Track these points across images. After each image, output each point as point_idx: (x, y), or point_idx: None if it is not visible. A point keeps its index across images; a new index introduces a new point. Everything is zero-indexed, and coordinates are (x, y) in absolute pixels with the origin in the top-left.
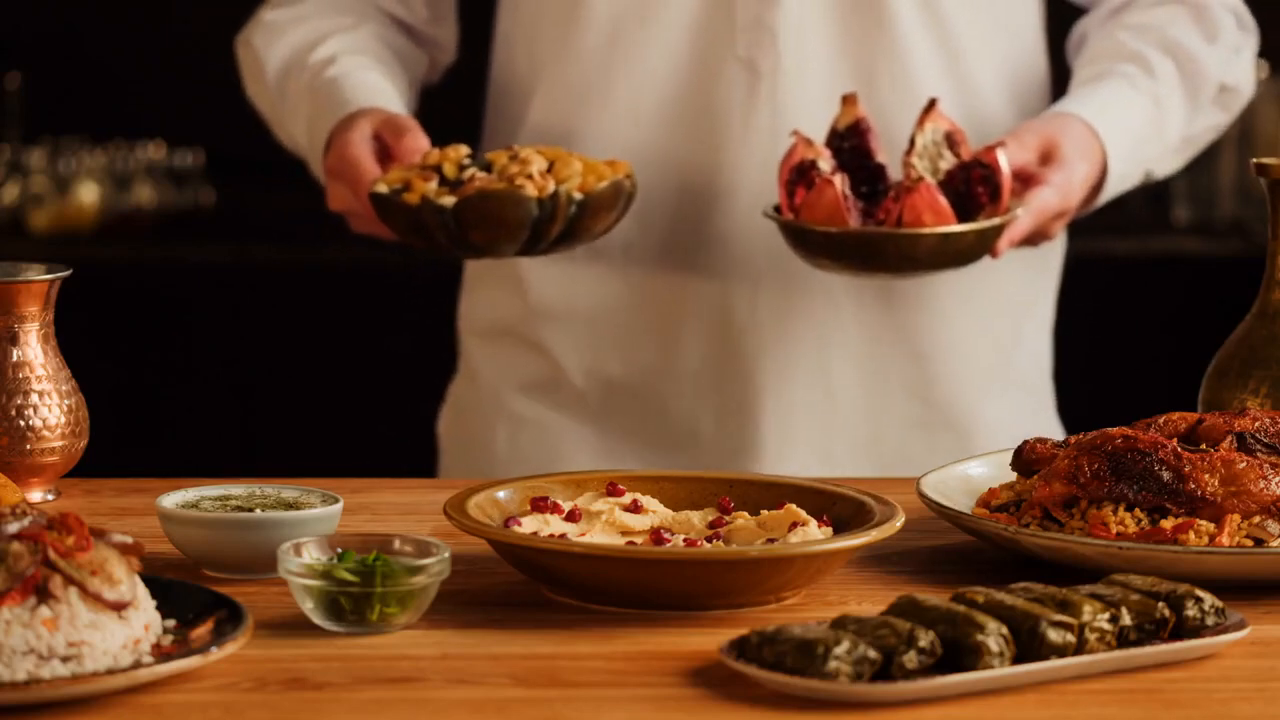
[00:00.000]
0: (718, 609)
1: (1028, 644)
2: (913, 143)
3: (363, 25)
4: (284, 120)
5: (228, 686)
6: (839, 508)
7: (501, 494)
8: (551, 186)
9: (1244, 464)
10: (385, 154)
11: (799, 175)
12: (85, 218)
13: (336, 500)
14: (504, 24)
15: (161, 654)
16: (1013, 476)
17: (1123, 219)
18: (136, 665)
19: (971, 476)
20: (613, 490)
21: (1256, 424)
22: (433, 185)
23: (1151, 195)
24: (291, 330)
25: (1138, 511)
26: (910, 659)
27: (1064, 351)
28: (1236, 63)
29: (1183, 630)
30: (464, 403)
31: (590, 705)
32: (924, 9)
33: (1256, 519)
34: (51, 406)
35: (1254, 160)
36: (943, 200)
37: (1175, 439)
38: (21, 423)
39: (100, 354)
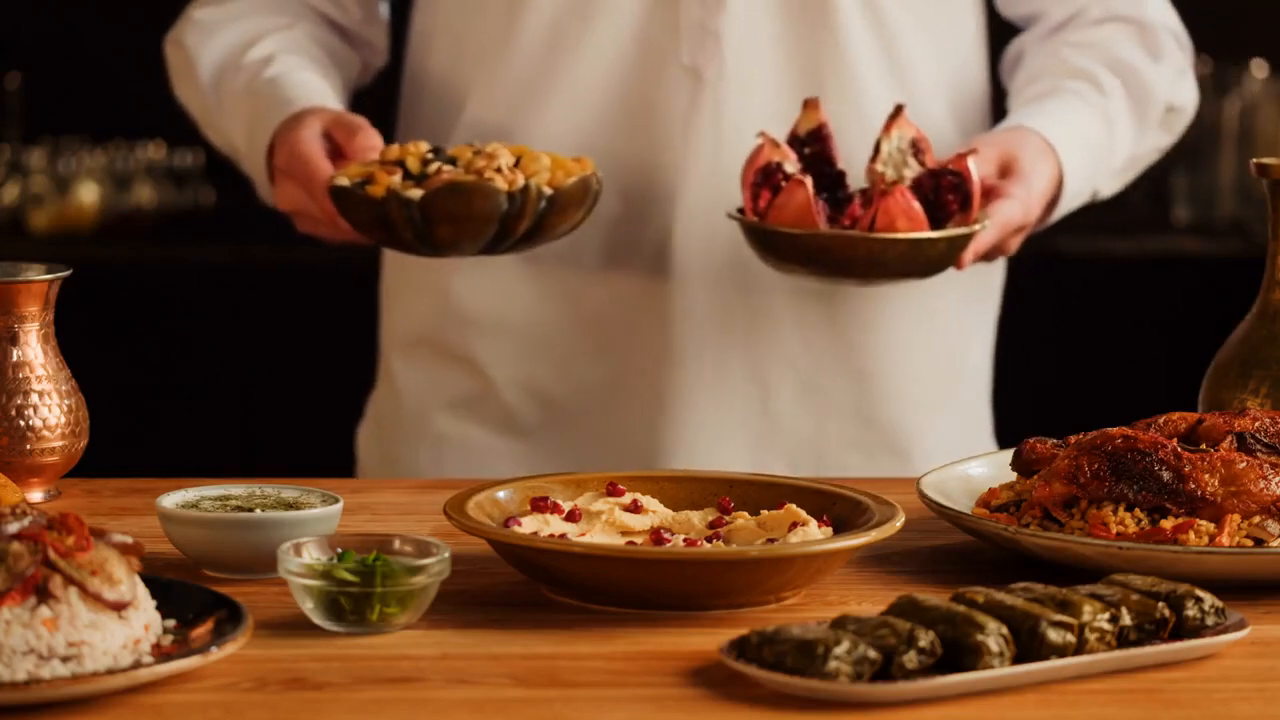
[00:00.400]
0: (718, 609)
1: (1028, 644)
2: (878, 148)
3: (297, 25)
4: (218, 121)
5: (228, 686)
6: (839, 508)
7: (501, 494)
8: (521, 180)
9: (1244, 464)
10: (336, 152)
11: (764, 177)
12: (85, 218)
13: (336, 500)
14: (421, 21)
15: (161, 654)
16: (1013, 476)
17: (1123, 219)
18: (136, 665)
19: (971, 476)
20: (613, 490)
21: (1256, 424)
22: (397, 179)
23: (1151, 195)
24: (291, 330)
25: (1138, 511)
26: (910, 659)
27: (1064, 351)
28: (1182, 83)
29: (1183, 630)
30: (384, 419)
31: (590, 705)
32: (869, 17)
33: (1256, 519)
34: (51, 406)
35: (1254, 160)
36: (917, 206)
37: (1175, 439)
38: (21, 423)
39: (100, 354)
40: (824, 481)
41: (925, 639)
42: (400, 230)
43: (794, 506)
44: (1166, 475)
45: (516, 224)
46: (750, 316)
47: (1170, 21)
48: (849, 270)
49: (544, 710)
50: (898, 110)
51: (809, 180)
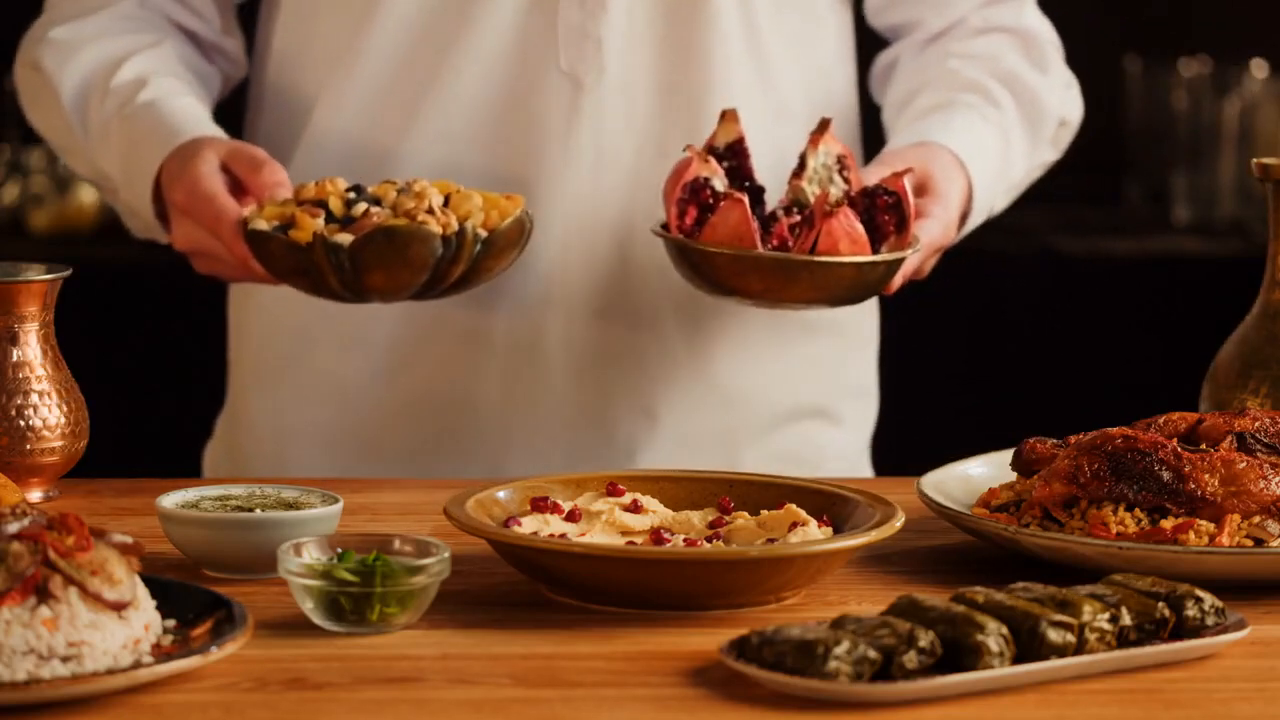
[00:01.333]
0: (718, 609)
1: (1028, 644)
2: (803, 164)
3: (164, 42)
4: (86, 148)
5: (228, 686)
6: (839, 508)
7: (501, 494)
8: (455, 223)
9: (1244, 464)
10: (237, 187)
11: (692, 193)
12: (85, 218)
13: (336, 500)
14: (265, 24)
15: (161, 654)
16: (1013, 476)
17: (1123, 219)
18: (136, 665)
19: (971, 476)
20: (613, 490)
21: (1256, 424)
22: (321, 221)
23: (1151, 195)
24: None
25: (1138, 511)
26: (910, 659)
27: (1064, 351)
28: (1069, 97)
29: (1183, 630)
30: (232, 445)
31: (590, 705)
32: (743, 22)
33: (1256, 519)
34: (51, 406)
35: (1254, 160)
36: (860, 228)
37: (1175, 439)
38: (21, 423)
39: (100, 354)
40: (824, 481)
41: (925, 639)
42: (326, 277)
43: (794, 506)
44: (1166, 475)
45: (451, 269)
46: (633, 332)
47: (1047, 32)
48: (787, 294)
49: (544, 710)
50: (823, 125)
51: (746, 199)
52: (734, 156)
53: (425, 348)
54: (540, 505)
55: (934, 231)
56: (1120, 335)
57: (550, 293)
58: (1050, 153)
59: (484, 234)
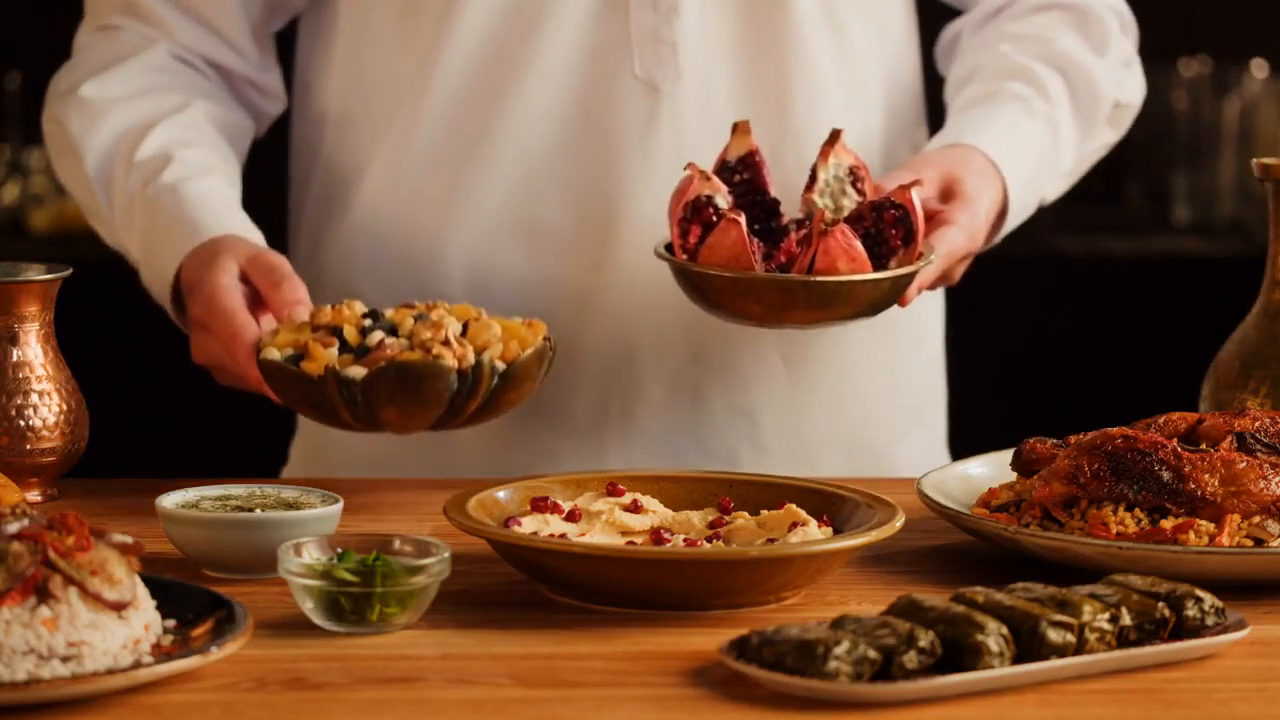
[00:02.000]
0: (718, 609)
1: (1028, 644)
2: (814, 177)
3: (192, 104)
4: (109, 220)
5: (228, 686)
6: (839, 508)
7: (501, 494)
8: (472, 356)
9: (1244, 464)
10: (256, 298)
11: (694, 212)
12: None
13: (336, 500)
14: (320, 53)
15: (161, 654)
16: (1013, 476)
17: (1123, 219)
18: (136, 665)
19: (971, 476)
20: (613, 490)
21: (1256, 424)
22: (334, 352)
23: (1151, 195)
24: None
25: (1138, 511)
26: (910, 659)
27: (1064, 351)
28: (1129, 77)
29: (1183, 630)
30: (320, 443)
31: (590, 705)
32: (824, 13)
33: (1256, 519)
34: (51, 406)
35: (1255, 160)
36: (859, 245)
37: (1175, 439)
38: (21, 423)
39: (100, 354)
40: (824, 481)
41: (925, 639)
42: (338, 411)
43: (794, 506)
44: (1166, 475)
45: (467, 403)
46: (724, 346)
47: (1113, 1)
48: (787, 314)
49: (544, 710)
50: (834, 136)
51: (743, 218)
52: (747, 169)
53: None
54: (540, 505)
55: (957, 241)
56: (1120, 335)
57: (636, 304)
58: (1110, 134)
59: (501, 366)
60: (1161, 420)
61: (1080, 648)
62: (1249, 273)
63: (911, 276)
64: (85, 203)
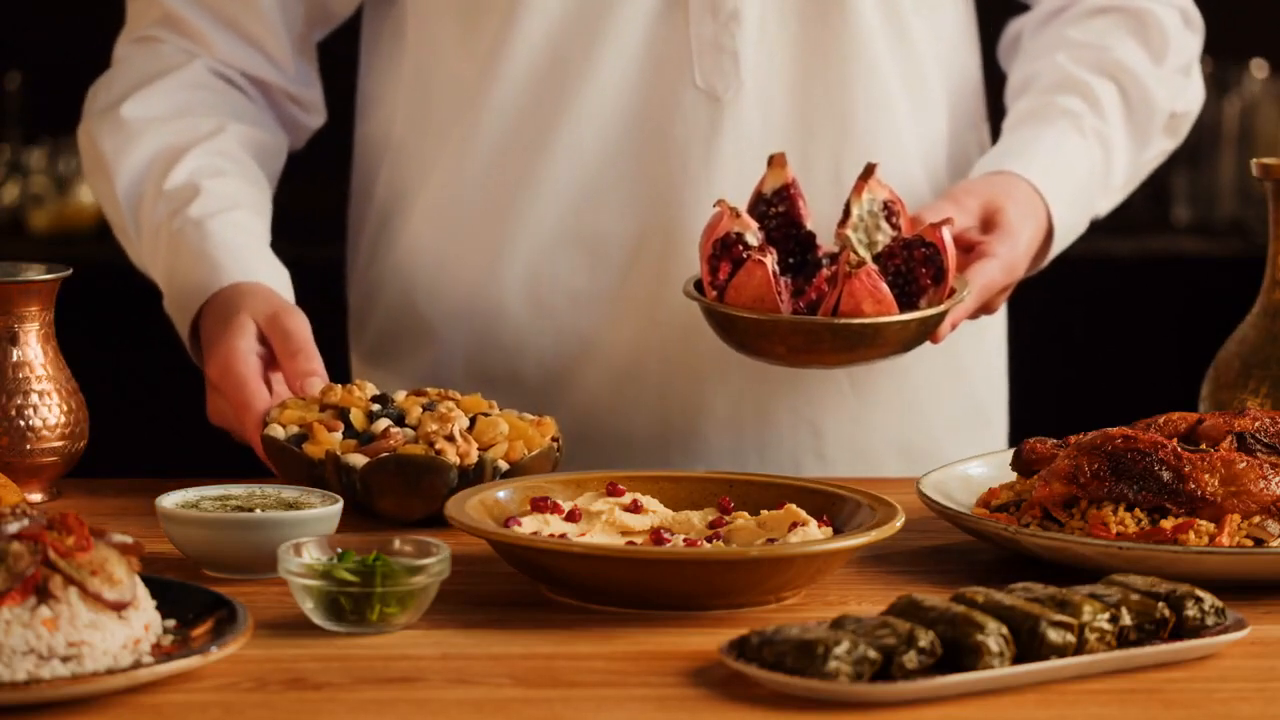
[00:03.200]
0: (718, 609)
1: (1028, 644)
2: (848, 212)
3: (226, 128)
4: (136, 245)
5: (228, 686)
6: (839, 508)
7: (501, 494)
8: (475, 454)
9: (1244, 464)
10: (270, 359)
11: (724, 249)
12: (85, 218)
13: (336, 500)
14: (381, 70)
15: (161, 654)
16: (1013, 476)
17: (1123, 219)
18: (136, 665)
19: (971, 476)
20: (613, 490)
21: (1256, 424)
22: (338, 437)
23: (1151, 195)
24: None
25: (1138, 511)
26: (910, 659)
27: (1064, 351)
28: (1186, 86)
29: (1183, 630)
30: None
31: (590, 705)
32: (885, 16)
33: (1256, 519)
34: (51, 406)
35: (1254, 160)
36: (884, 287)
37: (1175, 439)
38: (21, 423)
39: (100, 354)
40: (824, 481)
41: (925, 639)
42: (337, 493)
43: (794, 506)
44: (1166, 475)
45: None
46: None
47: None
48: (813, 356)
49: (544, 710)
50: (868, 170)
51: (770, 258)
52: (782, 202)
53: (578, 375)
54: (540, 505)
55: (994, 274)
56: (1120, 335)
57: (699, 317)
58: (1167, 142)
59: (505, 467)
60: (1161, 420)
61: (1080, 648)
62: (1249, 273)
63: (940, 316)
64: (114, 221)
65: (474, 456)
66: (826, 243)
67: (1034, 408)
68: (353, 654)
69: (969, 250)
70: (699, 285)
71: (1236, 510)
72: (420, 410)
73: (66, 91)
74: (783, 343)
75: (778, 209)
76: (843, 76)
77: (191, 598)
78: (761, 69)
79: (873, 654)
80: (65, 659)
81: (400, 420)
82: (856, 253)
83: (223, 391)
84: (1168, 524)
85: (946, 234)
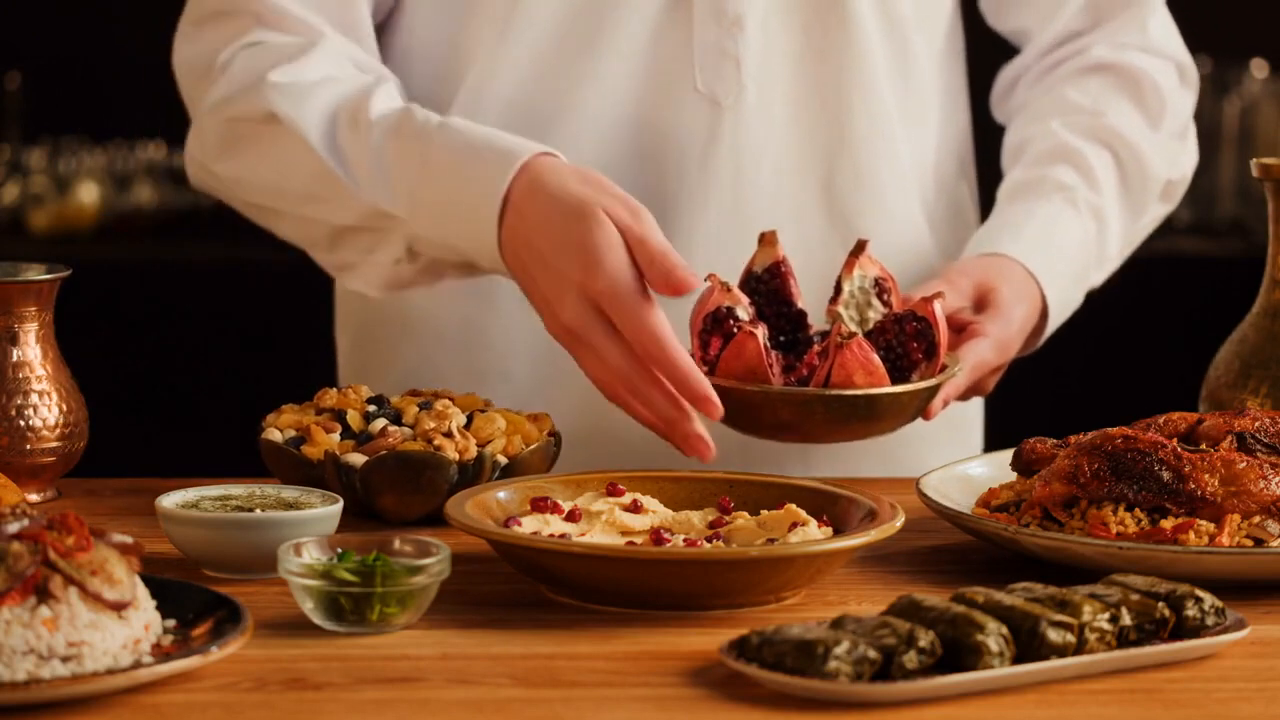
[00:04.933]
0: (718, 609)
1: (1028, 644)
2: (839, 289)
3: (386, 79)
4: (347, 183)
5: (228, 686)
6: (839, 508)
7: (501, 494)
8: (473, 449)
9: (1244, 464)
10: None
11: (714, 324)
12: (85, 218)
13: (337, 500)
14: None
15: (161, 654)
16: (1013, 476)
17: None
18: (136, 665)
19: (971, 476)
20: (613, 490)
21: (1256, 424)
22: (335, 438)
23: None
24: (291, 330)
25: (1138, 511)
26: (910, 659)
27: (1064, 351)
28: (1182, 152)
29: (1183, 630)
30: None
31: (590, 705)
32: (886, 29)
33: (1256, 519)
34: (51, 406)
35: (1254, 160)
36: (876, 359)
37: (1175, 439)
38: (21, 423)
39: (100, 354)
40: (824, 481)
41: (925, 639)
42: (337, 493)
43: (794, 506)
44: (1166, 475)
45: None
46: None
47: (1173, 49)
48: (805, 429)
49: (544, 710)
50: (859, 247)
51: (760, 331)
52: (774, 279)
53: (569, 374)
54: (540, 505)
55: (986, 353)
56: (1120, 335)
57: (689, 319)
58: (1161, 208)
59: (504, 461)
60: (1161, 420)
61: (1080, 648)
62: (1249, 273)
63: (933, 390)
64: (297, 187)
65: (473, 452)
66: (818, 321)
67: (1034, 407)
68: (353, 654)
69: (961, 330)
70: None
71: (1236, 510)
72: (416, 409)
73: (66, 91)
74: (774, 415)
75: (768, 286)
76: (841, 86)
77: (191, 598)
78: (762, 75)
79: (873, 654)
80: (65, 659)
81: (397, 419)
82: (848, 326)
83: (616, 318)
84: (1168, 524)
85: (938, 308)
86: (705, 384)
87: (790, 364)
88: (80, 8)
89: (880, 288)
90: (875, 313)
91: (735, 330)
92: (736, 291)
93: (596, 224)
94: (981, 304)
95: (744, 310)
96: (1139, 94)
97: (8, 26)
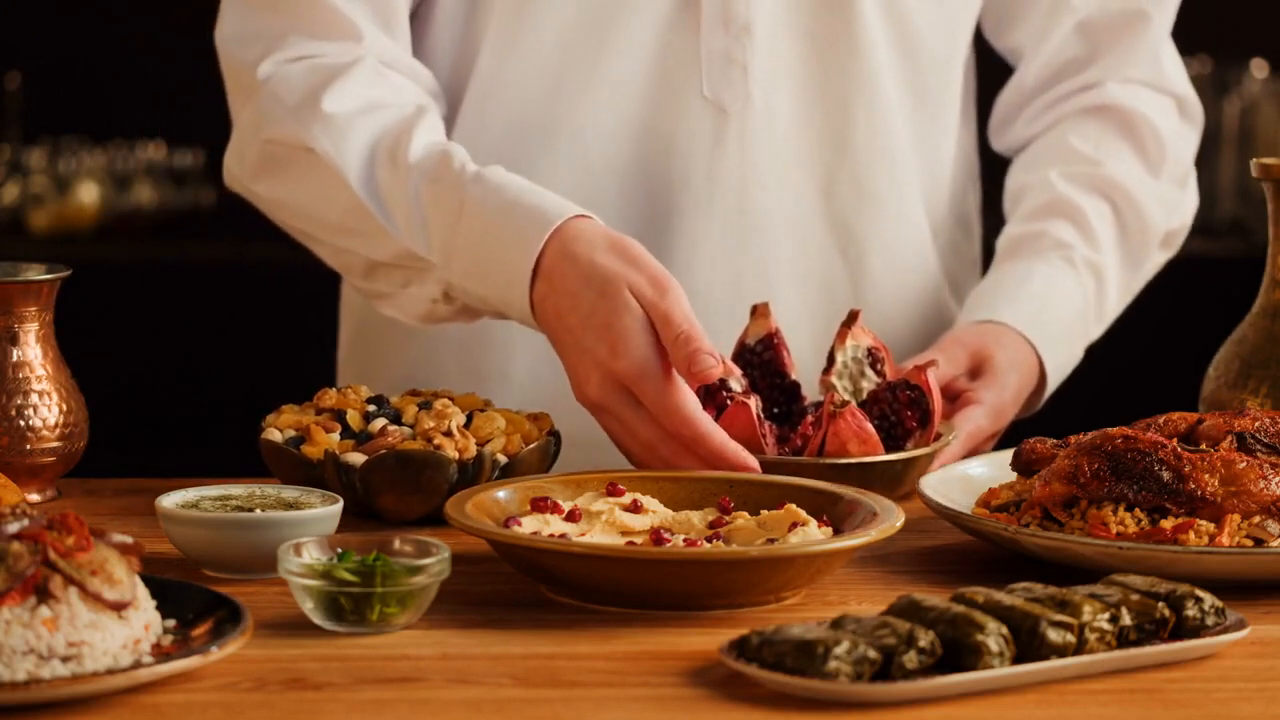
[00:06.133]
0: (718, 609)
1: (1028, 644)
2: (832, 359)
3: (428, 109)
4: (387, 226)
5: (228, 686)
6: (839, 508)
7: (501, 494)
8: (473, 448)
9: (1244, 464)
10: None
11: (707, 395)
12: (85, 218)
13: (337, 500)
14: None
15: (161, 654)
16: (1013, 476)
17: None
18: (136, 665)
19: (971, 476)
20: (613, 490)
21: (1256, 424)
22: (335, 437)
23: None
24: (291, 330)
25: (1138, 511)
26: (910, 659)
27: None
28: (1182, 200)
29: (1183, 630)
30: None
31: (590, 705)
32: (894, 40)
33: (1256, 519)
34: (51, 406)
35: (1254, 160)
36: (869, 427)
37: (1175, 439)
38: (21, 423)
39: (100, 354)
40: (824, 481)
41: (925, 639)
42: (337, 493)
43: (794, 506)
44: (1166, 475)
45: None
46: None
47: (1173, 83)
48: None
49: (544, 710)
50: (852, 317)
51: (754, 401)
52: (767, 351)
53: (563, 381)
54: (540, 505)
55: (980, 421)
56: (1120, 335)
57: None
58: (1161, 256)
59: (503, 460)
60: (1161, 420)
61: (1080, 648)
62: (1249, 273)
63: (929, 458)
64: (334, 220)
65: (473, 451)
66: (811, 393)
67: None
68: (353, 654)
69: (957, 397)
70: None
71: (1236, 510)
72: (416, 409)
73: (66, 91)
74: None
75: (762, 358)
76: (845, 96)
77: (191, 598)
78: (768, 83)
79: (873, 654)
80: (65, 659)
81: (397, 419)
82: (841, 396)
83: (646, 399)
84: (1168, 524)
85: (931, 376)
86: (742, 453)
87: (784, 435)
88: (80, 8)
89: (873, 357)
90: (869, 382)
91: (728, 402)
92: (729, 364)
93: (622, 304)
94: (977, 371)
95: (737, 382)
96: (1138, 139)
97: (8, 26)
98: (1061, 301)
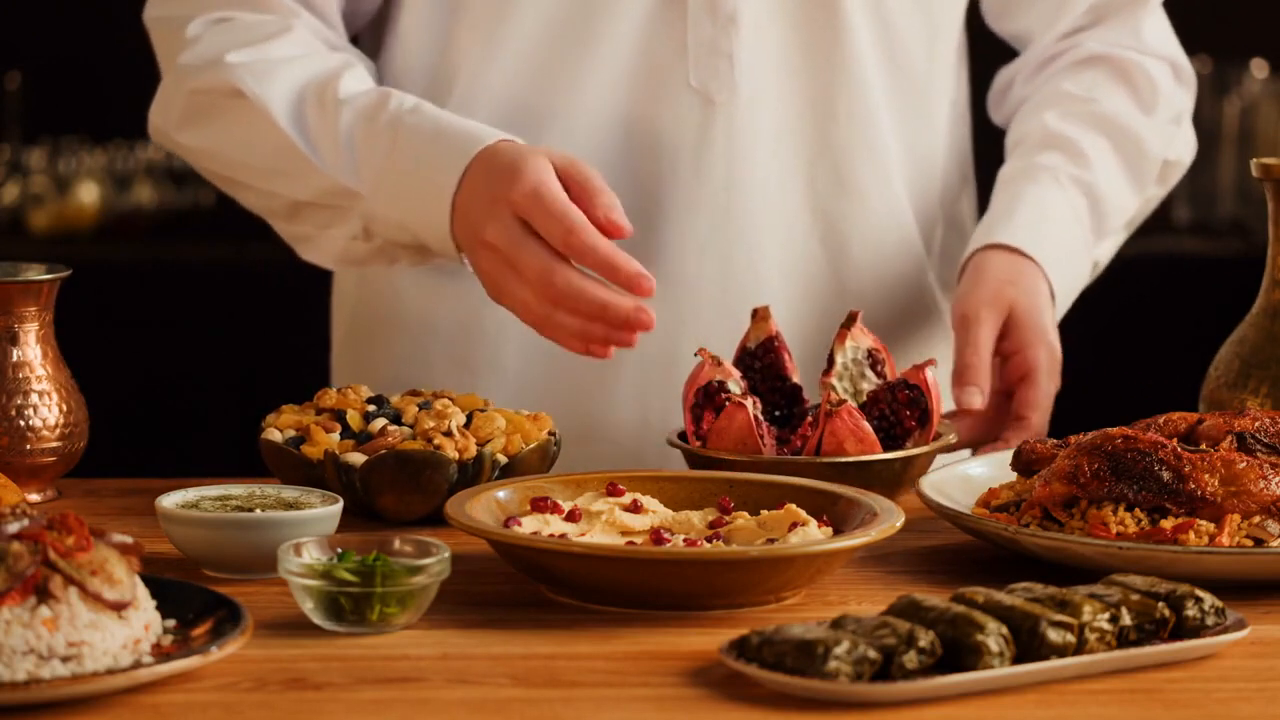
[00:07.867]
0: (718, 609)
1: (1028, 644)
2: (831, 361)
3: (356, 64)
4: (306, 167)
5: (228, 686)
6: (839, 508)
7: (501, 494)
8: (473, 448)
9: (1244, 464)
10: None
11: (706, 398)
12: (85, 218)
13: (337, 500)
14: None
15: (161, 654)
16: (1013, 476)
17: None
18: (136, 665)
19: (971, 476)
20: (613, 490)
21: (1256, 424)
22: (335, 437)
23: None
24: (292, 330)
25: (1138, 511)
26: (910, 659)
27: (1064, 351)
28: (1178, 135)
29: (1183, 630)
30: None
31: (590, 705)
32: (877, 27)
33: (1256, 519)
34: (51, 406)
35: (1254, 160)
36: (866, 426)
37: (1175, 439)
38: (21, 423)
39: (100, 354)
40: (824, 481)
41: (925, 639)
42: (337, 493)
43: (794, 506)
44: (1166, 475)
45: None
46: None
47: (1168, 50)
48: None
49: (544, 710)
50: (851, 318)
51: (750, 402)
52: (767, 354)
53: (555, 373)
54: (540, 505)
55: (1050, 389)
56: (1120, 335)
57: (683, 315)
58: (1156, 190)
59: (503, 460)
60: (1161, 420)
61: (1080, 648)
62: (1249, 273)
63: (928, 457)
64: (258, 163)
65: (473, 450)
66: (814, 396)
67: None
68: (353, 654)
69: (1008, 359)
70: (683, 436)
71: (1236, 510)
72: (416, 409)
73: (66, 91)
74: None
75: (763, 361)
76: (829, 88)
77: (191, 598)
78: (754, 74)
79: (873, 654)
80: (65, 659)
81: (397, 419)
82: (838, 395)
83: (536, 218)
84: (1168, 524)
85: (930, 375)
86: (633, 261)
87: (784, 437)
88: (80, 8)
89: (873, 359)
90: (869, 384)
91: (726, 404)
92: (728, 365)
93: (530, 152)
94: (1008, 329)
95: (735, 384)
96: (1130, 81)
97: (8, 26)
98: (1051, 212)
